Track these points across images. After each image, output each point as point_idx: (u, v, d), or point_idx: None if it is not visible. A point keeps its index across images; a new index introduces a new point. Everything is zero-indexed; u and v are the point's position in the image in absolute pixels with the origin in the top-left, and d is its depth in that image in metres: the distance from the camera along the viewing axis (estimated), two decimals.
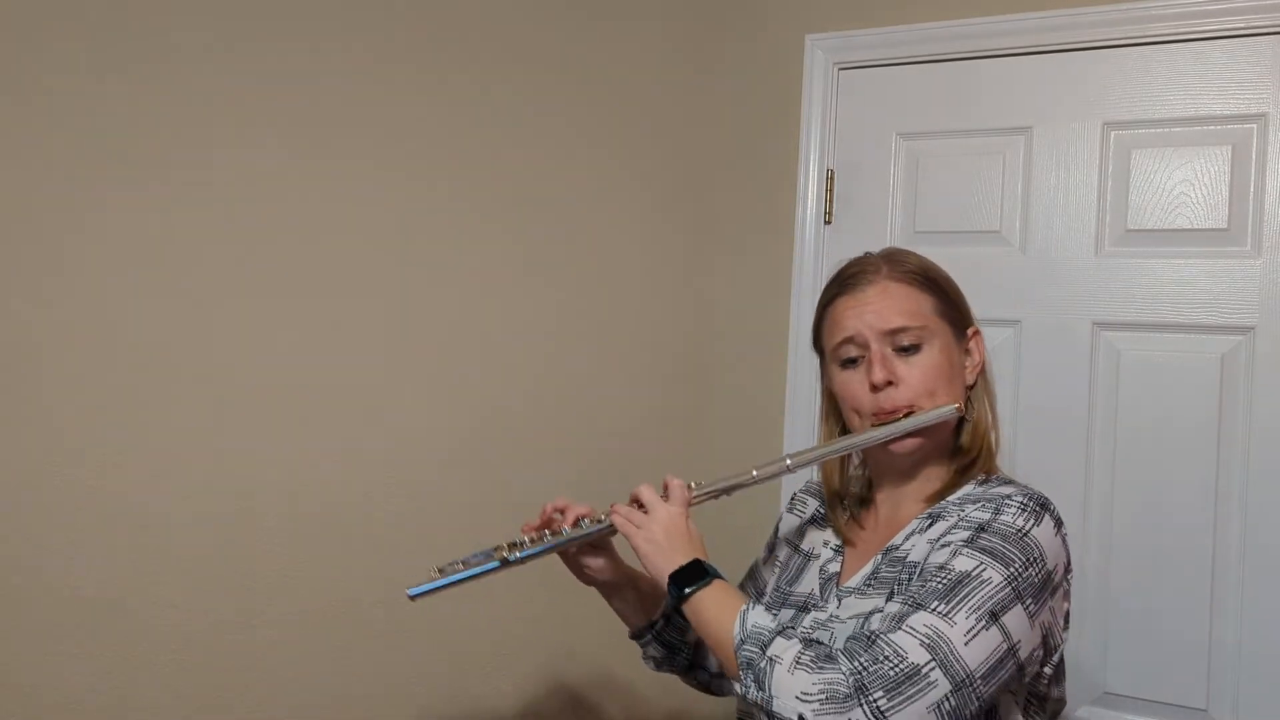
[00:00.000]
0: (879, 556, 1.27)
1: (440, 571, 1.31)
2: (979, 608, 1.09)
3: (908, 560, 1.22)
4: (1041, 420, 1.99)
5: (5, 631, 1.40)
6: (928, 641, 1.07)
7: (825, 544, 1.38)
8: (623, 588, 1.41)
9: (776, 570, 1.44)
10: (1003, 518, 1.17)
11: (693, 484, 1.28)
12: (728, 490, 1.30)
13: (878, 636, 1.09)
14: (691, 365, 2.32)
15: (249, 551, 1.62)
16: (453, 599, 1.88)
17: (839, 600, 1.28)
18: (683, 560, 1.20)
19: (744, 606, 1.16)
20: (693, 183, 2.31)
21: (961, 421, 1.31)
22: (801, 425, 2.19)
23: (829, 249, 2.20)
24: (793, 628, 1.19)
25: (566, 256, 2.06)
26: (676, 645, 1.43)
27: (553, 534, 1.31)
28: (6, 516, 1.39)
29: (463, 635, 1.89)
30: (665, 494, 1.26)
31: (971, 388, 1.33)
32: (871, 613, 1.21)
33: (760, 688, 1.09)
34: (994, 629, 1.09)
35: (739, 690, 1.13)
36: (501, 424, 1.94)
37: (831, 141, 2.21)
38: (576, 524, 1.31)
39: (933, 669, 1.06)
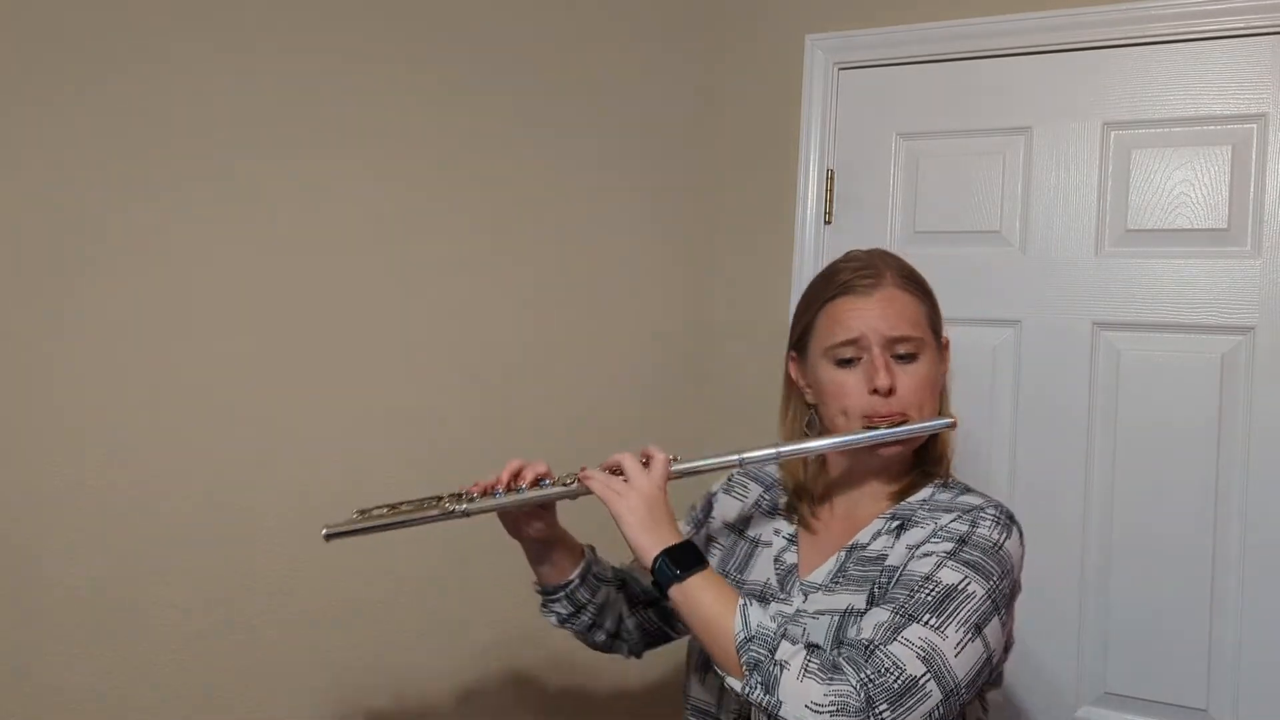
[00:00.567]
0: (842, 553, 1.30)
1: (362, 514, 1.30)
2: (966, 621, 1.15)
3: (886, 564, 1.25)
4: (1041, 420, 1.99)
5: (5, 631, 1.40)
6: (923, 654, 1.11)
7: (777, 532, 1.39)
8: (552, 547, 1.39)
9: (717, 553, 1.44)
10: (979, 531, 1.22)
11: (675, 457, 1.27)
12: (709, 470, 1.31)
13: (876, 648, 1.12)
14: (691, 365, 2.32)
15: (249, 551, 1.62)
16: (457, 597, 1.89)
17: (804, 594, 1.30)
18: (670, 538, 1.20)
19: (741, 600, 1.16)
20: (693, 182, 2.31)
21: None
22: None
23: (829, 249, 2.20)
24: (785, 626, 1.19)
25: (565, 257, 2.06)
26: (584, 604, 1.43)
27: (513, 492, 1.30)
28: (7, 517, 1.40)
29: (463, 634, 1.89)
30: (645, 464, 1.25)
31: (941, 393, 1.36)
32: (847, 611, 1.23)
33: (768, 691, 1.10)
34: (978, 640, 1.15)
35: (739, 689, 1.12)
36: (502, 423, 1.94)
37: (831, 141, 2.21)
38: (536, 483, 1.30)
39: (928, 680, 1.11)
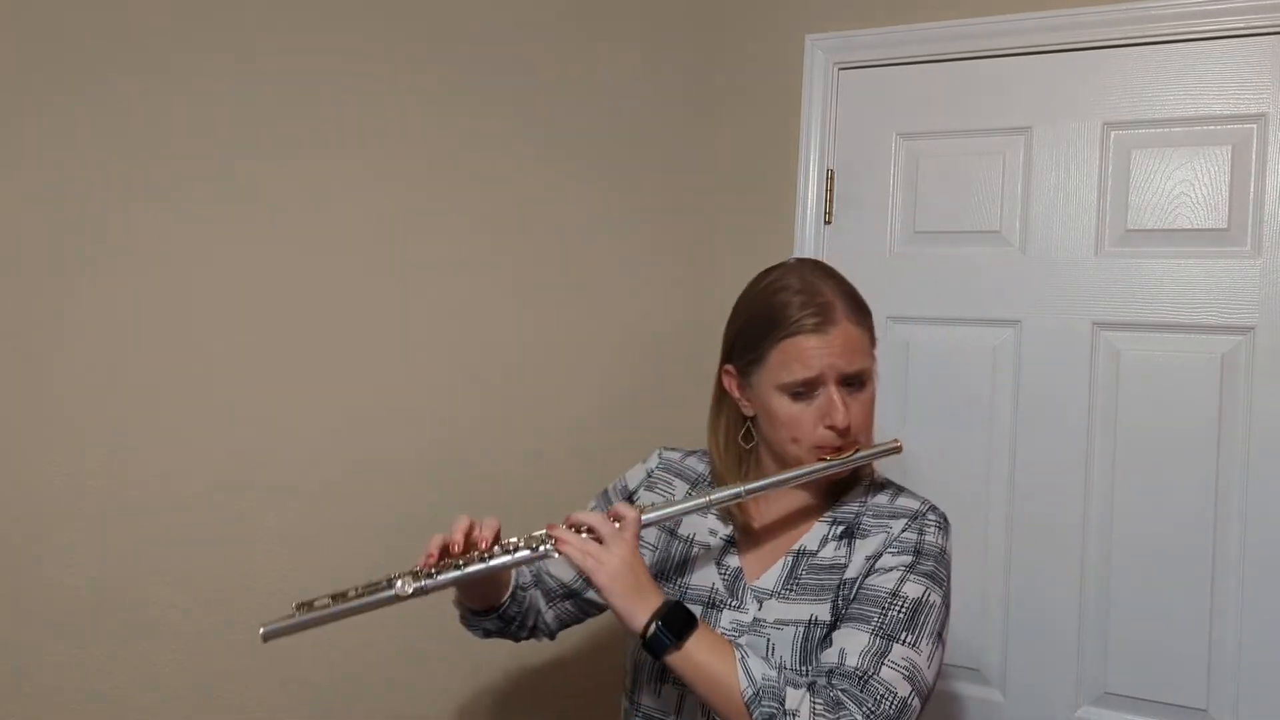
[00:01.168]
0: (789, 558, 1.33)
1: (303, 608, 1.19)
2: (932, 632, 1.24)
3: (845, 575, 1.29)
4: (1041, 420, 1.99)
5: (5, 632, 1.40)
6: (908, 674, 1.20)
7: (713, 533, 1.40)
8: (482, 581, 1.34)
9: (647, 554, 1.43)
10: (927, 538, 1.30)
11: (642, 508, 1.27)
12: (680, 515, 1.31)
13: (870, 678, 1.18)
14: (691, 365, 2.31)
15: (249, 551, 1.62)
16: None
17: (758, 601, 1.32)
18: (655, 600, 1.20)
19: (739, 654, 1.19)
20: (693, 182, 2.31)
21: None
22: None
23: (829, 249, 2.20)
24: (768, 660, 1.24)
25: (564, 258, 2.06)
26: (513, 617, 1.43)
27: (477, 558, 1.23)
28: (7, 517, 1.40)
29: (460, 635, 1.89)
30: (615, 521, 1.24)
31: None
32: (811, 621, 1.28)
33: None
34: (940, 646, 1.26)
35: None
36: (501, 423, 1.94)
37: (831, 141, 2.21)
38: (496, 543, 1.25)
39: (913, 697, 1.20)
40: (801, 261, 1.40)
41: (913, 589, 1.24)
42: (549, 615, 1.48)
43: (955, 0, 2.06)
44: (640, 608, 1.19)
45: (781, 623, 1.29)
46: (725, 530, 1.39)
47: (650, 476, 1.49)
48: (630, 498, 1.49)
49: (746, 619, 1.31)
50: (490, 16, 1.91)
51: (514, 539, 1.25)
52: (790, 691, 1.15)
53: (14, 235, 1.39)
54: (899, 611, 1.22)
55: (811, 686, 1.17)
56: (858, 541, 1.31)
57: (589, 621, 1.55)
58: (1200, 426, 1.86)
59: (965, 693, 2.05)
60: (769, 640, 1.28)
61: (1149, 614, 1.89)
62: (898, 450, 1.34)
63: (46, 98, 1.40)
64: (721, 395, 1.42)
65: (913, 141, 2.14)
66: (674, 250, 2.28)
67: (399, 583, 1.20)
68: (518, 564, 1.26)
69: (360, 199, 1.73)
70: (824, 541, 1.33)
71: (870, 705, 1.15)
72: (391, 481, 1.79)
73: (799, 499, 1.37)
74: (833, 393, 1.28)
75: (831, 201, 2.21)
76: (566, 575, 1.47)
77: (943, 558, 1.29)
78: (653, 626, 1.18)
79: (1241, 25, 1.84)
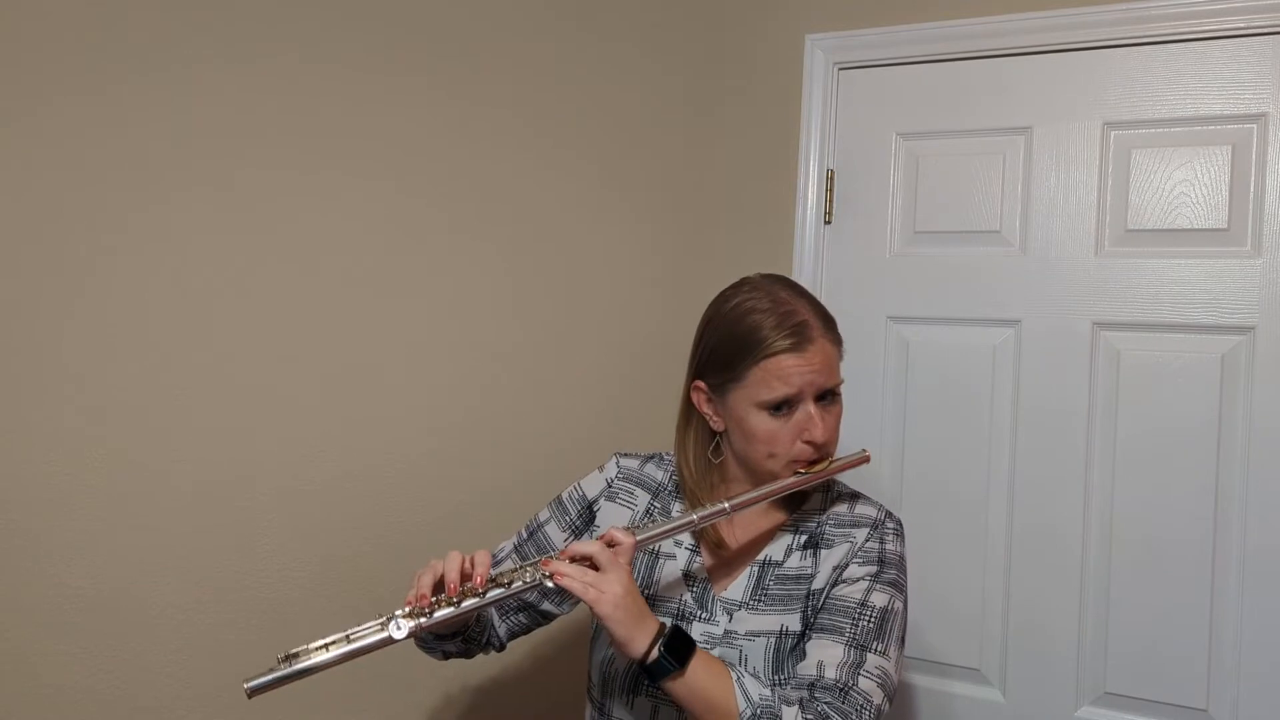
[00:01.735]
0: (754, 569, 1.36)
1: (287, 659, 1.15)
2: (898, 637, 1.31)
3: (812, 586, 1.33)
4: (1041, 420, 1.99)
5: (5, 631, 1.40)
6: (880, 681, 1.26)
7: (678, 544, 1.41)
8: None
9: None
10: (888, 546, 1.35)
11: (634, 529, 1.28)
12: (669, 535, 1.31)
13: (849, 689, 1.23)
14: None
15: (249, 551, 1.62)
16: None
17: (727, 613, 1.35)
18: (654, 627, 1.21)
19: (734, 675, 1.22)
20: (692, 183, 2.31)
21: None
22: None
23: (829, 249, 2.20)
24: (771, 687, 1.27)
25: (564, 258, 2.06)
26: (475, 638, 1.42)
27: (470, 593, 1.21)
28: (6, 516, 1.40)
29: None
30: (611, 546, 1.24)
31: None
32: (782, 632, 1.32)
33: None
34: (901, 648, 1.32)
35: None
36: (502, 424, 1.94)
37: (831, 141, 2.21)
38: (486, 583, 1.22)
39: (885, 702, 1.26)
40: (765, 278, 1.41)
41: (879, 598, 1.30)
42: (501, 629, 1.48)
43: (955, 0, 2.06)
44: (641, 635, 1.20)
45: (753, 634, 1.32)
46: (689, 540, 1.41)
47: (610, 486, 1.49)
48: (590, 506, 1.48)
49: (718, 631, 1.34)
50: (489, 16, 1.91)
51: (508, 574, 1.24)
52: (785, 709, 1.20)
53: (14, 236, 1.39)
54: (869, 621, 1.28)
55: (801, 703, 1.21)
56: (823, 551, 1.35)
57: (538, 630, 1.54)
58: (1200, 426, 1.86)
59: (965, 693, 2.05)
60: (741, 651, 1.32)
61: (1149, 614, 1.89)
62: (866, 460, 1.40)
63: (46, 102, 1.40)
64: (689, 410, 1.42)
65: (913, 141, 2.14)
66: (674, 250, 2.28)
67: (393, 623, 1.17)
68: (512, 595, 1.23)
69: (355, 199, 1.73)
70: (789, 551, 1.37)
71: (853, 716, 1.21)
72: (389, 481, 1.79)
73: (764, 509, 1.40)
74: (811, 409, 1.31)
75: (831, 201, 2.21)
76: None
77: (902, 564, 1.36)
78: (655, 652, 1.19)
79: (1241, 25, 1.84)
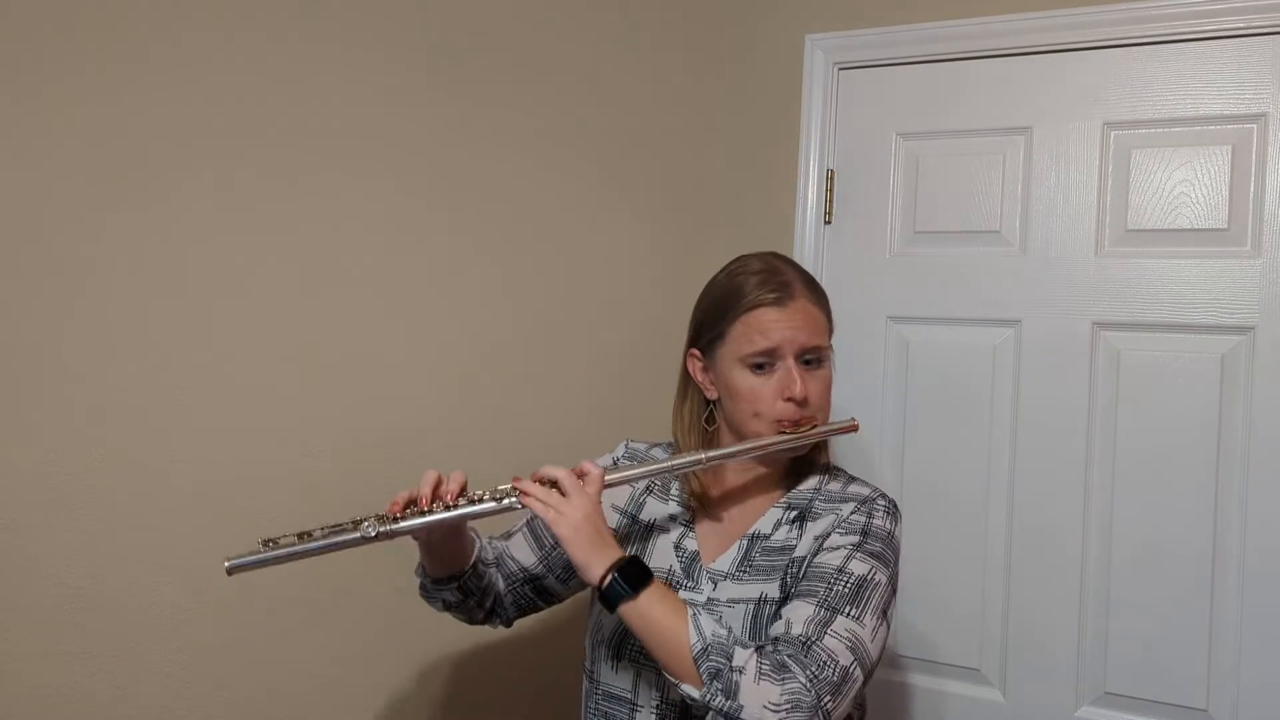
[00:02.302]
0: (744, 541, 1.38)
1: (268, 544, 1.22)
2: (877, 608, 1.27)
3: (794, 555, 1.33)
4: (1041, 420, 1.99)
5: (5, 631, 1.40)
6: (850, 644, 1.22)
7: (672, 518, 1.44)
8: (450, 543, 1.39)
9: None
10: (875, 521, 1.34)
11: (606, 468, 1.31)
12: (641, 478, 1.36)
13: (812, 644, 1.20)
14: None
15: (249, 551, 1.62)
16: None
17: (712, 582, 1.37)
18: (614, 554, 1.23)
19: (691, 611, 1.21)
20: (692, 183, 2.31)
21: None
22: None
23: (829, 249, 2.20)
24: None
25: (564, 257, 2.06)
26: (472, 590, 1.44)
27: (441, 508, 1.27)
28: (7, 516, 1.40)
29: (464, 632, 1.89)
30: (581, 478, 1.27)
31: None
32: (761, 599, 1.32)
33: (729, 697, 1.16)
34: (884, 624, 1.28)
35: (698, 696, 1.17)
36: (501, 423, 1.94)
37: (831, 141, 2.21)
38: (460, 494, 1.28)
39: (855, 668, 1.21)
40: (765, 252, 1.45)
41: (859, 566, 1.28)
42: (508, 600, 1.51)
43: (956, 0, 2.06)
44: (598, 559, 1.22)
45: (734, 601, 1.34)
46: (685, 516, 1.44)
47: (615, 465, 1.53)
48: None
49: (700, 599, 1.36)
50: (488, 16, 1.91)
51: (480, 491, 1.29)
52: (739, 650, 1.18)
53: (14, 236, 1.39)
54: (844, 586, 1.25)
55: (759, 649, 1.19)
56: (809, 524, 1.36)
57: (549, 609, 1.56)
58: (1200, 427, 1.86)
59: (965, 693, 2.05)
60: (721, 618, 1.31)
61: (1149, 614, 1.89)
62: (854, 429, 1.40)
63: (45, 100, 1.40)
64: (686, 381, 1.47)
65: (913, 141, 2.14)
66: (674, 250, 2.28)
67: (365, 525, 1.23)
68: (482, 514, 1.28)
69: (355, 199, 1.73)
70: (777, 525, 1.38)
71: (814, 670, 1.17)
72: (390, 481, 1.78)
73: (757, 478, 1.42)
74: (791, 366, 1.34)
75: (831, 201, 2.21)
76: (528, 560, 1.50)
77: (890, 541, 1.33)
78: (609, 577, 1.21)
79: (1241, 25, 1.84)
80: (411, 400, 1.82)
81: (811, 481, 1.42)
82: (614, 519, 1.48)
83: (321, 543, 1.23)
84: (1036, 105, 2.01)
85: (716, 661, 1.17)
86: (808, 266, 2.20)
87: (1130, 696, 1.90)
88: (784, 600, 1.30)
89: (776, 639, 1.22)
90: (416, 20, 1.80)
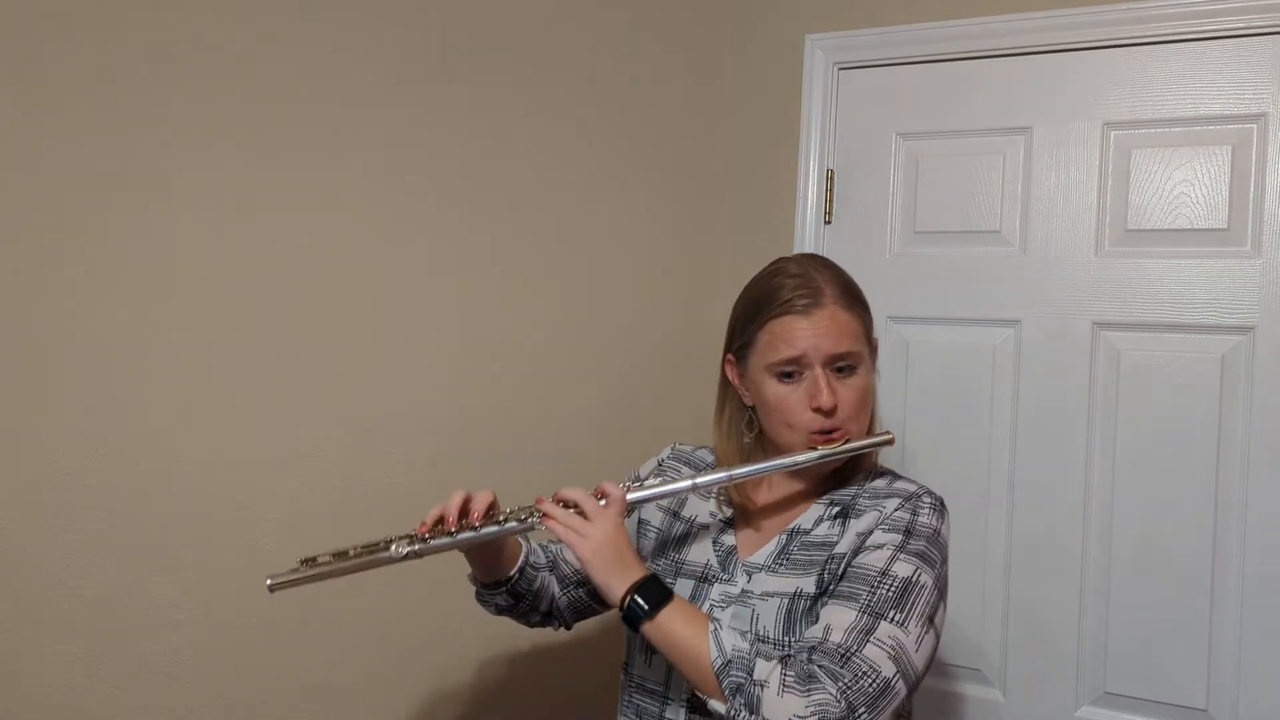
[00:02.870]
0: (783, 536, 1.35)
1: (306, 563, 1.26)
2: (922, 614, 1.22)
3: (835, 550, 1.29)
4: (1041, 420, 1.99)
5: (5, 631, 1.40)
6: (893, 654, 1.17)
7: (713, 515, 1.43)
8: (491, 550, 1.40)
9: (651, 534, 1.47)
10: (921, 518, 1.28)
11: (628, 486, 1.30)
12: (663, 497, 1.34)
13: (852, 655, 1.16)
14: (691, 365, 2.32)
15: (249, 551, 1.62)
16: (460, 592, 1.88)
17: (748, 574, 1.34)
18: (634, 574, 1.23)
19: (712, 625, 1.20)
20: (692, 183, 2.31)
21: None
22: None
23: (829, 249, 2.20)
24: (742, 632, 1.23)
25: (564, 258, 2.06)
26: (523, 594, 1.46)
27: (467, 527, 1.29)
28: (7, 516, 1.40)
29: (468, 628, 1.89)
30: (601, 499, 1.28)
31: None
32: (796, 594, 1.28)
33: (752, 711, 1.14)
34: (931, 631, 1.23)
35: (723, 711, 1.16)
36: (501, 424, 1.94)
37: (831, 141, 2.21)
38: (489, 516, 1.30)
39: (898, 679, 1.17)
40: (803, 255, 1.43)
41: (903, 568, 1.23)
42: (563, 602, 1.52)
43: (956, 0, 2.06)
44: (619, 581, 1.22)
45: (768, 594, 1.31)
46: (725, 512, 1.43)
47: (661, 465, 1.53)
48: (640, 483, 1.51)
49: (735, 590, 1.34)
50: (488, 15, 1.91)
51: (505, 511, 1.31)
52: (760, 663, 1.16)
53: (14, 235, 1.39)
54: (888, 590, 1.21)
55: (784, 660, 1.16)
56: (851, 520, 1.31)
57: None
58: (1200, 427, 1.86)
59: (965, 693, 2.05)
60: (754, 610, 1.30)
61: (1149, 614, 1.89)
62: (890, 442, 1.35)
63: (45, 99, 1.40)
64: (725, 386, 1.44)
65: (913, 141, 2.14)
66: (674, 250, 2.28)
67: (394, 546, 1.27)
68: (505, 534, 1.31)
69: (360, 202, 1.73)
70: (818, 521, 1.35)
71: (847, 681, 1.13)
72: (390, 482, 1.78)
73: (798, 486, 1.39)
74: (819, 374, 1.30)
75: (831, 201, 2.21)
76: (579, 563, 1.48)
77: (936, 540, 1.27)
78: (629, 598, 1.21)
79: (1241, 25, 1.84)
80: (413, 400, 1.82)
81: (855, 481, 1.38)
82: (657, 516, 1.48)
83: (356, 561, 1.27)
84: (1036, 105, 2.01)
85: (737, 676, 1.15)
86: None
87: (1130, 696, 1.90)
88: (819, 597, 1.27)
89: (813, 648, 1.19)
90: (420, 22, 1.80)
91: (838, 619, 1.20)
